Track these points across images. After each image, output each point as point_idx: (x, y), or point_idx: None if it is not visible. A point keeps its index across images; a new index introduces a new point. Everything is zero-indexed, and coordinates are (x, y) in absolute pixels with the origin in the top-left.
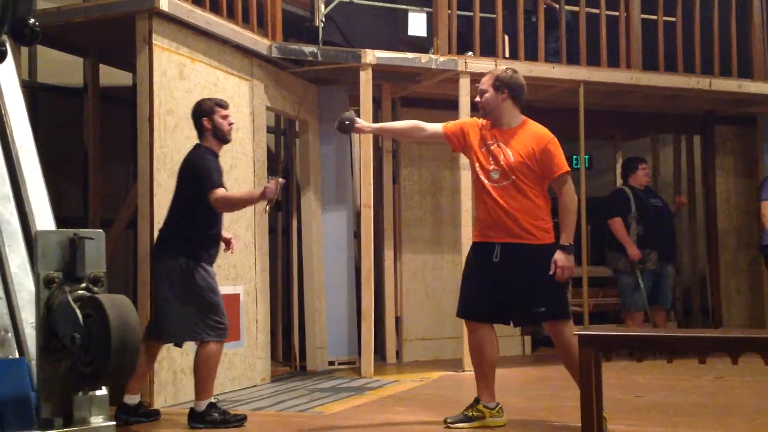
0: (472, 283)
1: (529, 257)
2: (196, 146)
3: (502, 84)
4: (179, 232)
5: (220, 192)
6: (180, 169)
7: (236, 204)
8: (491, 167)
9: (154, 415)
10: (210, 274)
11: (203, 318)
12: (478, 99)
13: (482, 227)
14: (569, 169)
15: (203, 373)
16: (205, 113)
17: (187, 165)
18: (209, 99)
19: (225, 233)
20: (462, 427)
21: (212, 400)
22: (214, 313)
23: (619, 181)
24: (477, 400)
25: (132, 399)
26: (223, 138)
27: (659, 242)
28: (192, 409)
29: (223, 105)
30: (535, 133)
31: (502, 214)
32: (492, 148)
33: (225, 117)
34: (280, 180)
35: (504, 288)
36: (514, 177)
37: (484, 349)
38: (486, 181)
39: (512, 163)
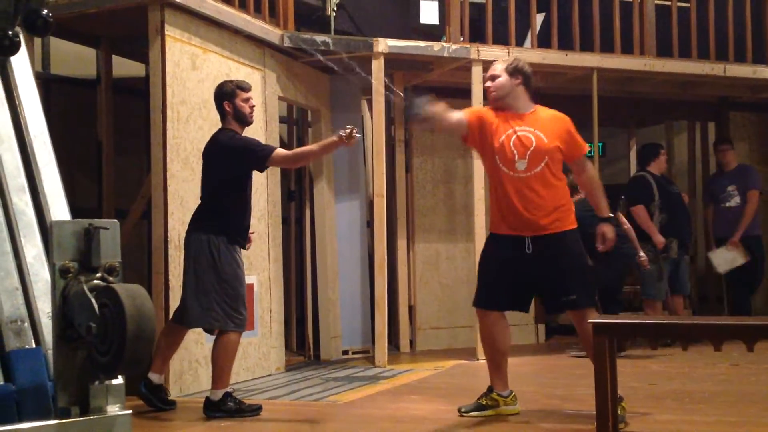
0: (492, 275)
1: (559, 245)
2: (220, 129)
3: (515, 70)
4: (210, 213)
5: (280, 152)
6: (206, 152)
7: (306, 155)
8: (516, 158)
9: (170, 405)
10: (237, 262)
11: (224, 307)
12: (488, 84)
13: (506, 221)
14: (586, 149)
15: (221, 362)
16: (226, 96)
17: (217, 148)
18: (230, 81)
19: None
20: (475, 416)
21: (228, 389)
22: (236, 303)
23: (633, 169)
24: (490, 389)
25: (156, 378)
26: (244, 120)
27: (680, 230)
28: (208, 398)
29: (245, 87)
30: (554, 116)
31: (531, 206)
32: (520, 135)
33: (246, 100)
34: (355, 132)
35: (535, 278)
36: (544, 163)
37: (496, 338)
38: (510, 173)
39: (545, 147)
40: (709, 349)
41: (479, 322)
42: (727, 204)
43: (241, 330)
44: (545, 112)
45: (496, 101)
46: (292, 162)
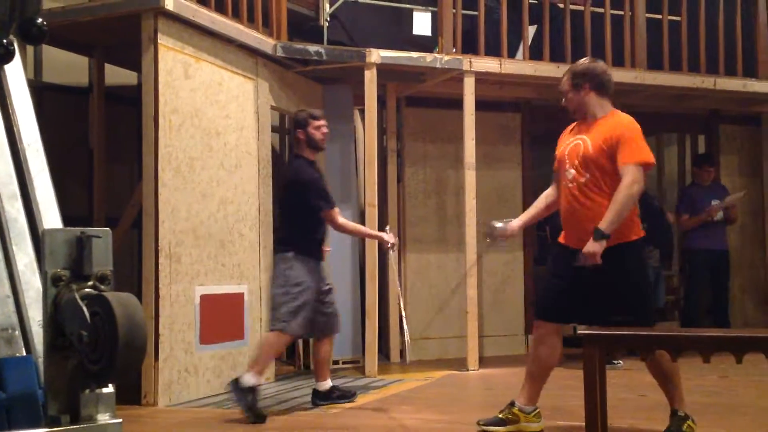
0: (547, 285)
1: (607, 260)
2: (295, 156)
3: (580, 78)
4: (290, 234)
5: (337, 216)
6: (285, 179)
7: (350, 232)
8: (567, 166)
9: (350, 396)
10: (312, 271)
11: (279, 308)
12: (564, 103)
13: (564, 231)
14: (644, 160)
15: (261, 350)
16: (299, 125)
17: (293, 177)
18: (303, 110)
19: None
20: (493, 430)
21: (258, 383)
22: (287, 306)
23: None
24: (513, 403)
25: (324, 385)
26: (316, 147)
27: (660, 241)
28: (237, 379)
29: (316, 116)
30: (615, 122)
31: (579, 216)
32: (577, 143)
33: (318, 128)
34: (394, 244)
35: (586, 292)
36: (592, 170)
37: (540, 350)
38: (564, 182)
39: (590, 155)
40: (698, 361)
41: (534, 331)
42: (716, 218)
43: (284, 331)
44: (613, 118)
45: (574, 117)
46: (340, 228)
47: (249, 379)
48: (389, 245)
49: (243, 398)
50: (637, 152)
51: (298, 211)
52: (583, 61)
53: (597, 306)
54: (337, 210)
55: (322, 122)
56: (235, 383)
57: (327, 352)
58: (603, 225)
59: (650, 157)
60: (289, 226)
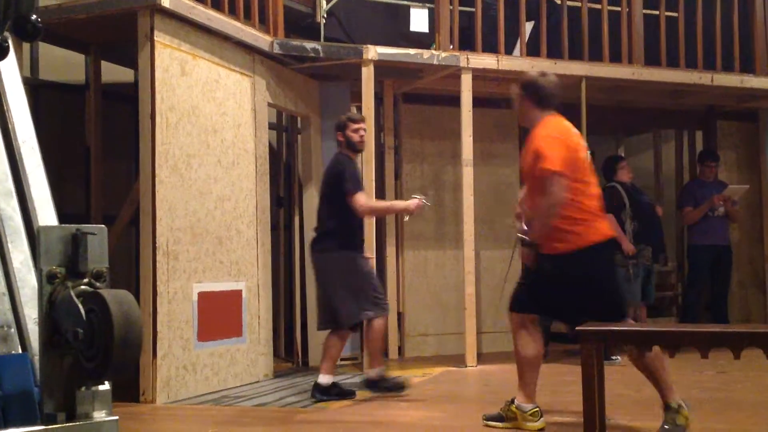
0: (523, 276)
1: (554, 266)
2: (336, 154)
3: (523, 90)
4: (332, 229)
5: (361, 198)
6: (324, 174)
7: (376, 210)
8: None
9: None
10: (363, 261)
11: (366, 297)
12: None
13: None
14: (551, 169)
15: (374, 344)
16: (338, 128)
17: (331, 171)
18: (344, 115)
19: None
20: (494, 426)
21: (382, 370)
22: (374, 290)
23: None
24: (512, 400)
25: (374, 373)
26: (354, 148)
27: (652, 238)
28: (367, 378)
29: (354, 119)
30: (536, 134)
31: (530, 225)
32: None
33: (356, 130)
34: (424, 200)
35: (545, 291)
36: (530, 180)
37: (517, 344)
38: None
39: (524, 167)
40: (695, 357)
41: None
42: (716, 213)
43: (383, 313)
44: (537, 130)
45: (523, 125)
46: (366, 210)
47: (374, 372)
48: (420, 204)
49: (380, 388)
50: (548, 162)
51: (337, 201)
52: (532, 73)
53: (555, 306)
54: (362, 193)
55: (359, 125)
56: (368, 381)
57: (341, 347)
58: (531, 234)
59: (555, 165)
60: (331, 219)
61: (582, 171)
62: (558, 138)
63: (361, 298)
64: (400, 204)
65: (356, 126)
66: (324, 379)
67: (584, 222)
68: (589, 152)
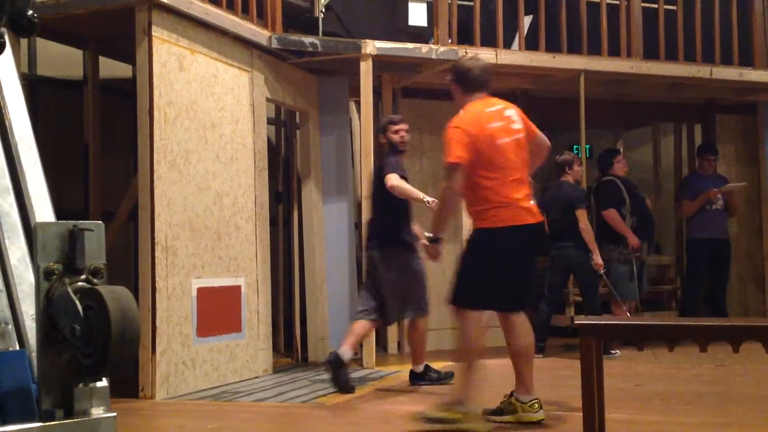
0: None
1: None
2: (382, 154)
3: (451, 74)
4: (381, 227)
5: (394, 177)
6: (372, 175)
7: (404, 192)
8: None
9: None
10: (415, 258)
11: (412, 298)
12: None
13: None
14: (447, 160)
15: (419, 342)
16: (380, 131)
17: (376, 171)
18: (384, 117)
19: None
20: (494, 419)
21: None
22: (424, 292)
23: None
24: (512, 393)
25: (419, 368)
26: (395, 148)
27: (647, 233)
28: (412, 371)
29: (394, 121)
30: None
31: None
32: None
33: (396, 132)
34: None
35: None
36: None
37: (506, 338)
38: None
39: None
40: (695, 350)
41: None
42: (714, 206)
43: (423, 315)
44: (460, 112)
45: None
46: (396, 188)
47: (420, 368)
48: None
49: (429, 379)
50: (446, 154)
51: (383, 199)
52: (461, 60)
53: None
54: (395, 175)
55: (400, 126)
56: (415, 375)
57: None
58: (432, 230)
59: (451, 157)
60: (383, 217)
61: (499, 157)
62: (459, 128)
63: (407, 299)
64: (419, 194)
65: (396, 127)
66: (347, 353)
67: (496, 209)
68: (587, 146)
